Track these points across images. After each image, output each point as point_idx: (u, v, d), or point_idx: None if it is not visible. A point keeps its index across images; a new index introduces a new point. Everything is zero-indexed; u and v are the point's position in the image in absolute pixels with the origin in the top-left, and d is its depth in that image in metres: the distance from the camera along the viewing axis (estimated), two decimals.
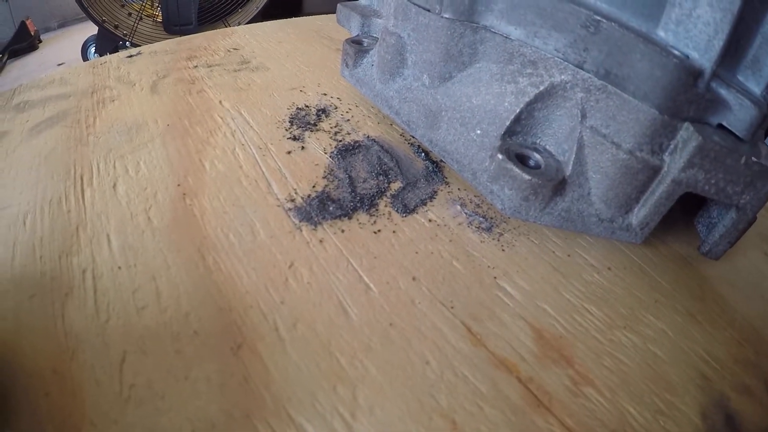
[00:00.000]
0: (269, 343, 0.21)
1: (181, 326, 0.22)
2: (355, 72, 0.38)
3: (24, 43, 3.04)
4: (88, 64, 0.53)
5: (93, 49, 2.16)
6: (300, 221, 0.28)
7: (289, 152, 0.34)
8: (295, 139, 0.35)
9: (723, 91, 0.24)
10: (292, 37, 0.56)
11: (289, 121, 0.37)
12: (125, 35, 2.04)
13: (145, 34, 2.16)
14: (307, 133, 0.36)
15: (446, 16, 0.29)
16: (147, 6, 2.30)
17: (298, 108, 0.39)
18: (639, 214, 0.26)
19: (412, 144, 0.35)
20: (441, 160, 0.33)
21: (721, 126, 0.25)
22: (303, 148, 0.34)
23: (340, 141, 0.35)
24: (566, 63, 0.26)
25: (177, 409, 0.18)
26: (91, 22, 2.15)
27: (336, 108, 0.39)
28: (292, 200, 0.29)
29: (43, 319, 0.22)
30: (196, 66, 0.48)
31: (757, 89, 0.24)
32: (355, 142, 0.35)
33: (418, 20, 0.31)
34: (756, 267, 0.30)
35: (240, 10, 2.16)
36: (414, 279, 0.24)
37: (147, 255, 0.25)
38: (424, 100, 0.32)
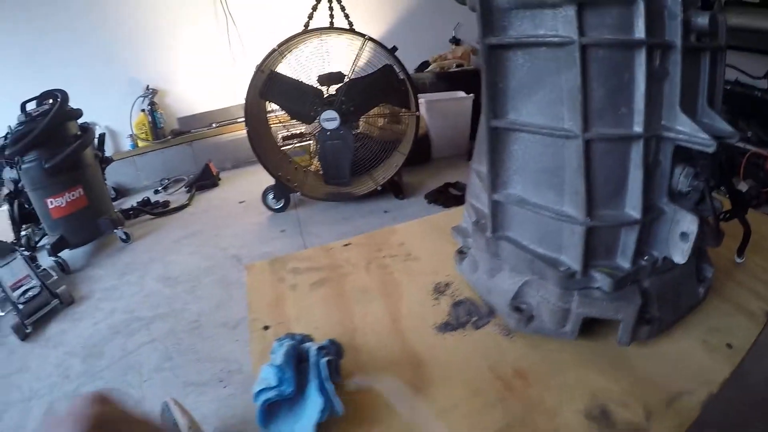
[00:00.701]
0: (428, 371, 0.77)
1: (397, 372, 0.79)
2: (459, 267, 0.96)
3: (208, 180, 4.21)
4: (322, 248, 1.18)
5: (271, 196, 3.05)
6: (438, 332, 0.84)
7: (433, 305, 0.91)
8: (436, 299, 0.93)
9: (594, 274, 0.75)
10: (432, 235, 1.16)
11: (433, 290, 0.95)
12: (296, 186, 2.91)
13: (310, 185, 3.03)
14: (440, 296, 0.93)
15: (487, 235, 0.85)
16: (309, 162, 3.20)
17: (436, 283, 0.97)
18: (568, 327, 0.78)
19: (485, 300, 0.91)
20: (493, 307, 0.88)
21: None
22: (439, 302, 0.92)
23: (454, 299, 0.92)
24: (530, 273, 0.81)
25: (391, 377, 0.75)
26: (257, 165, 3.06)
27: (452, 283, 0.96)
28: (435, 324, 0.86)
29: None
30: (384, 256, 1.10)
31: (626, 264, 0.75)
32: (460, 299, 0.91)
33: (476, 238, 0.89)
34: (682, 349, 0.75)
35: (382, 166, 2.96)
36: (474, 349, 0.79)
37: (387, 341, 0.83)
38: (486, 285, 0.88)
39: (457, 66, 4.12)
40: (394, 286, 0.99)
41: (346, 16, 2.95)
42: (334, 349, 0.78)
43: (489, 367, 0.76)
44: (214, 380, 1.99)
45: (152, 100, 4.68)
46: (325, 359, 0.71)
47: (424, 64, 4.31)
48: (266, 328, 0.93)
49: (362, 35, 2.76)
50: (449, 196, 2.79)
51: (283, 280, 1.07)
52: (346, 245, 1.16)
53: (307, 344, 0.76)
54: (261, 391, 0.71)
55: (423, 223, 1.22)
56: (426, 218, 1.24)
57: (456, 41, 4.59)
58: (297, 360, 0.73)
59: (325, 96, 2.83)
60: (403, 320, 0.89)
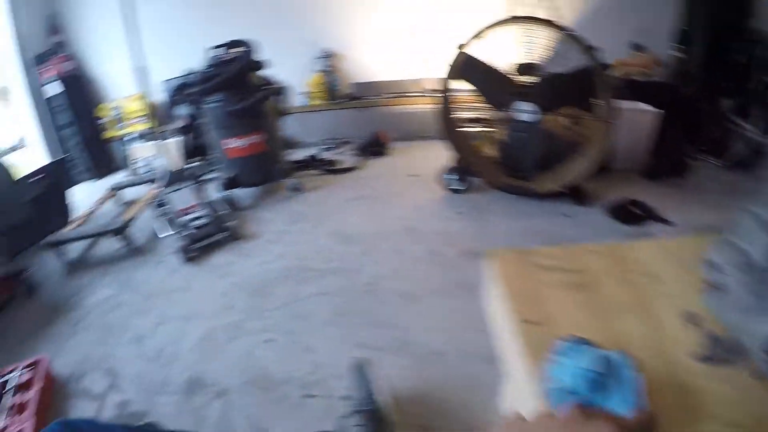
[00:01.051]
0: (692, 400, 0.90)
1: (665, 395, 0.94)
2: (708, 299, 1.08)
3: (377, 148, 4.52)
4: (568, 250, 1.34)
5: (455, 176, 3.24)
6: (696, 361, 0.95)
7: (685, 333, 1.02)
8: (687, 327, 1.05)
9: None
10: (672, 259, 1.26)
11: (683, 316, 1.07)
12: (479, 171, 3.09)
13: (490, 172, 3.19)
14: (692, 325, 1.04)
15: (758, 278, 0.97)
16: (485, 146, 3.36)
17: (684, 310, 1.09)
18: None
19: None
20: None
21: None
22: (690, 331, 1.02)
23: (706, 331, 1.02)
24: None
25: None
26: (423, 142, 3.22)
27: (701, 313, 1.05)
28: (691, 353, 0.98)
29: None
30: (630, 270, 1.24)
31: None
32: (711, 332, 1.01)
33: (737, 276, 1.00)
34: None
35: (566, 168, 3.02)
36: (728, 385, 0.92)
37: (651, 363, 0.96)
38: (741, 324, 0.96)
39: (643, 75, 4.04)
40: (644, 304, 1.11)
41: (551, 9, 3.03)
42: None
43: (743, 406, 0.85)
44: (391, 348, 2.05)
45: (330, 62, 5.05)
46: (641, 375, 0.80)
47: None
48: (528, 322, 1.06)
49: (564, 29, 2.83)
50: (630, 214, 2.80)
51: (535, 275, 1.22)
52: (589, 251, 1.31)
53: (608, 352, 0.85)
54: (560, 391, 0.81)
55: (663, 245, 1.32)
56: (667, 241, 1.35)
57: (638, 47, 4.45)
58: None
59: (515, 85, 2.94)
60: (662, 343, 1.00)
